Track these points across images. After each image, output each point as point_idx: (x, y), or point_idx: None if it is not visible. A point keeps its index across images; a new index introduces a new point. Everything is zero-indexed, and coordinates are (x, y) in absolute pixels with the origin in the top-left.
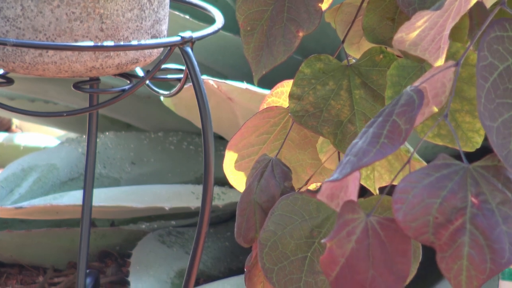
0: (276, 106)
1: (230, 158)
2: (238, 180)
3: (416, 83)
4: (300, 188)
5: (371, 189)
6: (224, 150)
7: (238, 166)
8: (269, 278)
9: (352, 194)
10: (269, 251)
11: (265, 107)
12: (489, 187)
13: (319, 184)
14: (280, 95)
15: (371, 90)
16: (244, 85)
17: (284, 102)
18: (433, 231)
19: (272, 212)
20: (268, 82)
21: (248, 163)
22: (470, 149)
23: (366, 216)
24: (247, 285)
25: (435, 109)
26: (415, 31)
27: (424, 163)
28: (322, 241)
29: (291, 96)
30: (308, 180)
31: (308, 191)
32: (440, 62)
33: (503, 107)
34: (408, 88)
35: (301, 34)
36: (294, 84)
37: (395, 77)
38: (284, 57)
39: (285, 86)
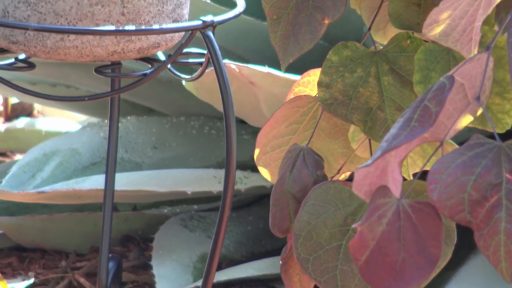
0: (305, 95)
1: (261, 149)
2: (270, 170)
3: (449, 73)
4: (332, 177)
5: (405, 176)
6: (246, 134)
7: (269, 157)
8: (304, 268)
9: (395, 194)
10: (304, 241)
11: (292, 97)
12: None
13: (348, 174)
14: (307, 84)
15: (399, 76)
16: (266, 69)
17: (311, 92)
18: (469, 209)
19: (305, 202)
20: (291, 66)
21: (279, 153)
22: (501, 130)
23: (397, 199)
24: (283, 278)
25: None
26: (444, 20)
27: (457, 146)
28: (353, 226)
29: (320, 84)
30: (340, 169)
31: (340, 180)
32: (472, 54)
33: None
34: (443, 77)
35: (326, 21)
36: (322, 72)
37: (423, 61)
38: (311, 45)
39: (312, 75)
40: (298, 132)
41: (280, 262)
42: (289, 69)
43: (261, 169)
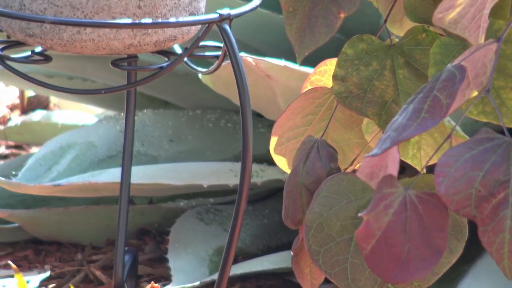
0: (320, 87)
1: (277, 140)
2: (285, 162)
3: (456, 61)
4: (346, 169)
5: (418, 168)
6: (262, 127)
7: (285, 148)
8: (315, 260)
9: (392, 172)
10: (315, 233)
11: (309, 85)
12: None
13: None
14: (324, 73)
15: (415, 69)
16: (282, 62)
17: (328, 81)
18: (475, 204)
19: (318, 193)
20: (307, 59)
21: (295, 144)
22: None
23: (404, 190)
24: (294, 269)
25: (475, 92)
26: (455, 8)
27: (467, 138)
28: (359, 214)
29: (335, 77)
30: (354, 159)
31: (354, 171)
32: (480, 41)
33: None
34: (449, 65)
35: (342, 15)
36: (337, 65)
37: (438, 55)
38: (326, 39)
39: (328, 65)
40: (313, 123)
41: (291, 254)
42: (305, 62)
43: (276, 159)
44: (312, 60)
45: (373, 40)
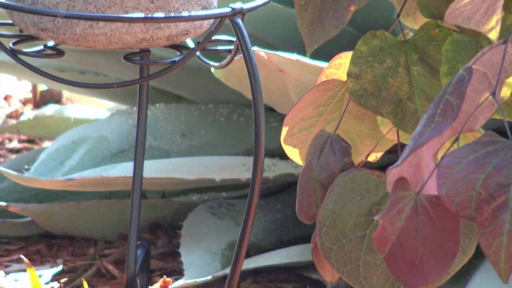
0: (333, 80)
1: (288, 131)
2: (296, 152)
3: (468, 64)
4: (359, 164)
5: None
6: (274, 121)
7: (296, 138)
8: (327, 257)
9: (429, 173)
10: (328, 230)
11: (323, 79)
12: None
13: (379, 154)
14: (338, 66)
15: (429, 65)
16: (294, 56)
17: (342, 74)
18: (476, 206)
19: (331, 190)
20: (320, 53)
21: (306, 135)
22: None
23: (415, 193)
24: (315, 260)
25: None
26: (466, 6)
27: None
28: (375, 218)
29: (349, 75)
30: (369, 153)
31: (367, 168)
32: (495, 33)
33: None
34: (461, 69)
35: (352, 8)
36: (351, 63)
37: (450, 53)
38: (336, 32)
39: (343, 58)
40: (324, 114)
41: (311, 245)
42: (318, 56)
43: (287, 150)
44: (325, 54)
45: (387, 36)
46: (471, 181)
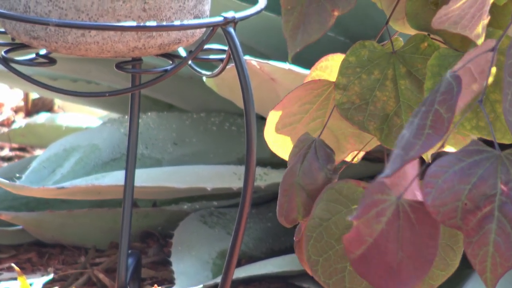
0: (320, 79)
1: (271, 126)
2: (279, 146)
3: (456, 67)
4: (345, 163)
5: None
6: None
7: (280, 132)
8: (313, 270)
9: (412, 179)
10: (315, 243)
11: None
12: None
13: (360, 155)
14: (325, 69)
15: (417, 80)
16: (286, 65)
17: (329, 76)
18: (461, 216)
19: (318, 201)
20: (311, 61)
21: (290, 131)
22: (508, 141)
23: (396, 198)
24: (297, 254)
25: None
26: (454, 11)
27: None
28: (348, 218)
29: (337, 86)
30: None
31: (354, 180)
32: (481, 40)
33: None
34: (448, 74)
35: (336, 13)
36: (339, 73)
37: (436, 68)
38: (318, 35)
39: (330, 60)
40: (310, 111)
41: (294, 240)
42: (309, 65)
43: (269, 142)
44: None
45: (375, 47)
46: (456, 191)
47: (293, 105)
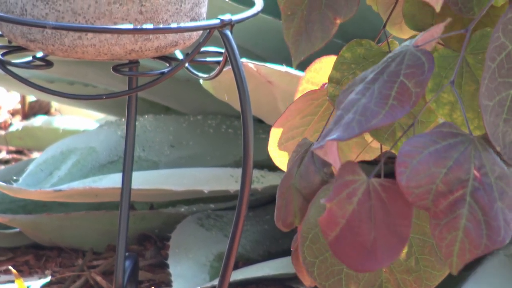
0: (318, 89)
1: (274, 140)
2: (283, 161)
3: (419, 41)
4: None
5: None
6: (263, 133)
7: (284, 148)
8: (310, 272)
9: (335, 164)
10: (310, 244)
11: (304, 83)
12: (490, 160)
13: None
14: (319, 70)
15: None
16: (283, 68)
17: (322, 78)
18: (433, 198)
19: (313, 203)
20: (308, 64)
21: (293, 144)
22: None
23: (367, 178)
24: (294, 265)
25: None
26: None
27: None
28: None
29: (330, 79)
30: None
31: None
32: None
33: (504, 86)
34: (411, 46)
35: (338, 21)
36: (334, 68)
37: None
38: (322, 44)
39: (323, 62)
40: (312, 123)
41: (291, 250)
42: (305, 67)
43: (274, 158)
44: None
45: (372, 46)
46: (432, 174)
47: (295, 117)
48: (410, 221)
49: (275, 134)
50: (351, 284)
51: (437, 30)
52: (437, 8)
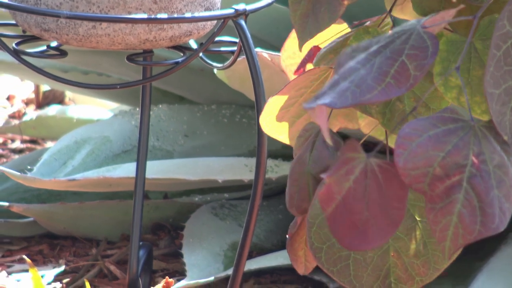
0: (318, 68)
1: (267, 110)
2: (272, 127)
3: (427, 22)
4: None
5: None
6: None
7: (275, 116)
8: (317, 258)
9: (323, 128)
10: (317, 230)
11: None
12: (489, 148)
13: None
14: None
15: None
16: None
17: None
18: (429, 181)
19: (319, 188)
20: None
21: (284, 113)
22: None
23: (366, 157)
24: (289, 252)
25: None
26: None
27: None
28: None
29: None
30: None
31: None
32: None
33: (509, 74)
34: (419, 26)
35: (346, 2)
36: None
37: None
38: (329, 25)
39: (291, 37)
40: (304, 95)
41: (287, 237)
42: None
43: (263, 126)
44: None
45: (379, 33)
46: (430, 157)
47: (290, 91)
48: (404, 205)
49: (270, 105)
50: (358, 269)
51: (448, 13)
52: None
